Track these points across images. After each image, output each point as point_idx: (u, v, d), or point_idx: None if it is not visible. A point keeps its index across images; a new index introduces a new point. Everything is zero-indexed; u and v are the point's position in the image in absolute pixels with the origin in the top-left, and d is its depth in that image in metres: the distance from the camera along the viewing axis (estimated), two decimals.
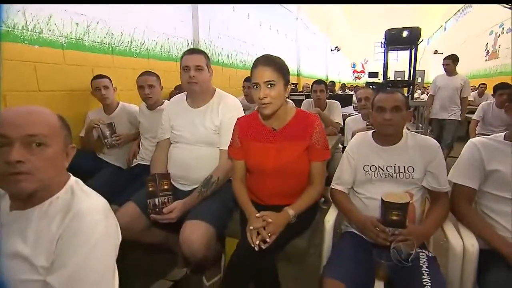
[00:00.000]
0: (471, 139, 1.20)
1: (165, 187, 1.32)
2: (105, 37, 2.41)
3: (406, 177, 1.18)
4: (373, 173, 1.22)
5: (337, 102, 2.77)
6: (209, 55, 1.52)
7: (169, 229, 1.46)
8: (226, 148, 1.38)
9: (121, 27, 2.56)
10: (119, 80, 2.30)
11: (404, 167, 1.18)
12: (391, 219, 1.05)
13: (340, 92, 8.62)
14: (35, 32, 1.89)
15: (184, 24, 3.44)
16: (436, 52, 11.83)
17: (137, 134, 2.10)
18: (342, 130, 2.54)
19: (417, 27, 5.14)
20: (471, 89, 4.53)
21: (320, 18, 11.16)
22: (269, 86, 1.11)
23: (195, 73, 1.40)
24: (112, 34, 2.47)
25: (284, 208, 1.16)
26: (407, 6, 10.76)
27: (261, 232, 1.07)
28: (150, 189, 1.31)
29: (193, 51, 1.48)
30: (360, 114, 2.29)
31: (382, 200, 1.06)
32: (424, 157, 1.17)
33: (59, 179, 0.73)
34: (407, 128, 1.38)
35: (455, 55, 3.54)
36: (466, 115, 3.62)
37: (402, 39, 5.21)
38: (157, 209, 1.29)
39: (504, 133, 1.16)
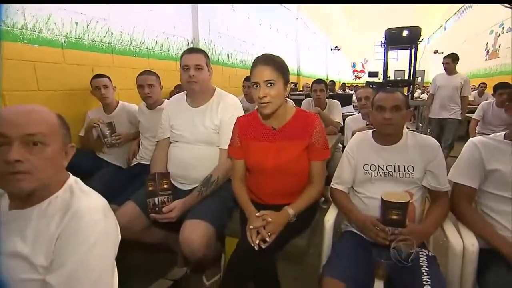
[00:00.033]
0: (471, 139, 1.20)
1: (165, 186, 1.32)
2: (104, 36, 2.40)
3: (406, 177, 1.17)
4: (373, 172, 1.21)
5: (337, 101, 2.76)
6: (209, 55, 1.52)
7: (169, 229, 1.46)
8: (226, 148, 1.38)
9: (121, 26, 2.56)
10: (119, 80, 2.30)
11: (404, 166, 1.18)
12: (391, 218, 1.05)
13: (340, 92, 8.62)
14: (35, 31, 1.89)
15: (184, 24, 3.44)
16: (436, 51, 11.83)
17: (137, 133, 2.09)
18: (342, 130, 2.54)
19: (417, 26, 5.13)
20: (471, 88, 4.51)
21: (320, 18, 11.15)
22: (268, 85, 1.11)
23: (194, 72, 1.40)
24: (112, 33, 2.47)
25: (284, 207, 1.16)
26: (407, 5, 10.75)
27: (261, 232, 1.07)
28: (150, 188, 1.31)
29: (193, 50, 1.48)
30: (360, 114, 2.29)
31: (382, 199, 1.06)
32: (424, 156, 1.17)
33: (58, 178, 0.73)
34: (407, 128, 1.38)
35: (455, 54, 3.51)
36: (466, 114, 3.61)
37: (402, 39, 5.20)
38: (157, 209, 1.29)
39: (504, 132, 1.16)
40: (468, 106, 3.75)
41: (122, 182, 1.83)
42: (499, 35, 6.73)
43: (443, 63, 3.55)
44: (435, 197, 1.20)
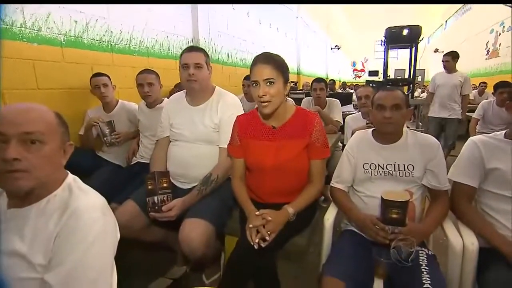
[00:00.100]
0: (471, 137, 1.20)
1: (164, 185, 1.32)
2: (104, 35, 2.40)
3: (406, 175, 1.17)
4: (372, 171, 1.21)
5: (337, 100, 2.76)
6: (208, 53, 1.51)
7: (169, 227, 1.46)
8: (226, 146, 1.38)
9: (120, 25, 2.55)
10: (119, 78, 2.29)
11: (404, 165, 1.18)
12: (391, 217, 1.05)
13: (340, 91, 8.62)
14: (34, 29, 1.88)
15: (184, 22, 3.43)
16: (436, 50, 11.80)
17: (137, 132, 2.09)
18: (342, 129, 2.54)
19: (418, 25, 5.12)
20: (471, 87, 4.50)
21: (320, 17, 11.13)
22: (268, 84, 1.10)
23: (194, 71, 1.40)
24: (111, 32, 2.46)
25: (284, 206, 1.16)
26: (408, 4, 10.72)
27: (260, 230, 1.07)
28: (150, 187, 1.30)
29: (193, 48, 1.47)
30: (360, 113, 2.28)
31: (382, 198, 1.06)
32: (424, 155, 1.16)
33: (57, 177, 0.73)
34: (407, 127, 1.38)
35: (455, 51, 3.48)
36: (466, 113, 3.60)
37: (403, 38, 5.19)
38: (157, 207, 1.28)
39: (504, 131, 1.15)
40: (468, 105, 3.73)
41: (122, 181, 1.82)
42: (500, 34, 6.72)
43: (442, 61, 3.52)
44: (435, 196, 1.20)
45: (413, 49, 5.31)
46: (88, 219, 0.67)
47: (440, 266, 1.05)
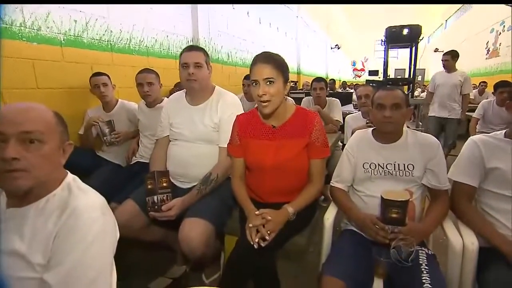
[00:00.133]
0: (471, 137, 1.20)
1: (164, 184, 1.32)
2: (104, 34, 2.39)
3: (406, 175, 1.17)
4: (372, 170, 1.21)
5: (337, 99, 2.76)
6: (208, 53, 1.51)
7: (168, 227, 1.46)
8: (225, 146, 1.37)
9: (120, 24, 2.54)
10: (118, 78, 2.29)
11: (404, 164, 1.17)
12: (391, 217, 1.05)
13: (340, 90, 8.61)
14: (33, 29, 1.88)
15: (184, 22, 3.42)
16: (436, 50, 11.78)
17: (136, 131, 2.09)
18: (342, 128, 2.54)
19: (418, 25, 5.11)
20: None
21: (320, 16, 11.12)
22: (268, 83, 1.10)
23: (194, 70, 1.40)
24: (111, 31, 2.46)
25: (284, 205, 1.16)
26: (408, 4, 10.71)
27: (260, 230, 1.06)
28: (149, 186, 1.30)
29: (192, 48, 1.47)
30: (360, 112, 2.28)
31: (381, 198, 1.06)
32: (424, 154, 1.16)
33: (56, 176, 0.73)
34: (407, 126, 1.37)
35: (455, 51, 3.47)
36: (466, 113, 3.59)
37: (403, 37, 5.18)
38: (156, 207, 1.28)
39: (505, 131, 1.15)
40: (469, 105, 3.73)
41: (122, 181, 1.82)
42: (500, 33, 6.71)
43: (442, 60, 3.51)
44: (435, 196, 1.19)
45: (413, 48, 5.30)
46: (87, 218, 0.67)
47: (440, 266, 1.05)
